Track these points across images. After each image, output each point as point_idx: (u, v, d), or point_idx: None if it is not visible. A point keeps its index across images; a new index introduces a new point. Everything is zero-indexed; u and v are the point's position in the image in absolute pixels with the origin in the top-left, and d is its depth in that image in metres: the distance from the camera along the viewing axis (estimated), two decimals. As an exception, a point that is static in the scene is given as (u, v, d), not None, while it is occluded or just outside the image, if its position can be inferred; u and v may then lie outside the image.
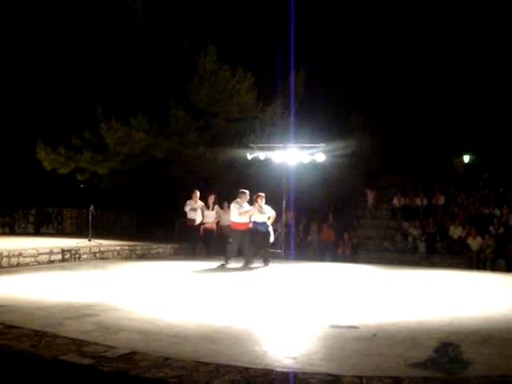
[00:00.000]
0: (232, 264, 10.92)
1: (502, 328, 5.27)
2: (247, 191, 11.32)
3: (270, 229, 11.57)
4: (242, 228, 11.12)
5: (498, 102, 22.23)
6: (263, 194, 11.33)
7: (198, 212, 13.22)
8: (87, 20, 16.04)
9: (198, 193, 13.28)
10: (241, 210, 11.08)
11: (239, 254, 11.55)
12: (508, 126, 21.66)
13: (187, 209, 13.19)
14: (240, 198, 11.21)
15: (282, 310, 6.00)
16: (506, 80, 21.68)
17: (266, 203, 11.47)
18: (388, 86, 21.92)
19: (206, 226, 13.41)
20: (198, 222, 13.27)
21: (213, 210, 13.46)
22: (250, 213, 11.16)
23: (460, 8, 22.12)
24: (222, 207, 14.26)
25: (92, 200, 13.13)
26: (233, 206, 11.29)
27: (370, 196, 19.97)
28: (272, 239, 11.76)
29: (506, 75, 21.68)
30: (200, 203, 13.30)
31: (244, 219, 11.09)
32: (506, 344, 4.54)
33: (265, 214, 11.33)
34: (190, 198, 13.50)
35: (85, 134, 16.01)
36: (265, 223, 11.35)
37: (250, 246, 11.15)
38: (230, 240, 11.56)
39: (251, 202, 11.42)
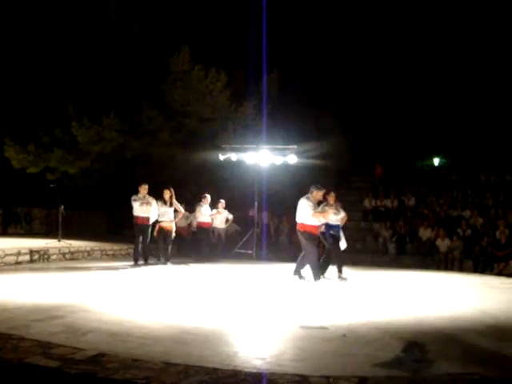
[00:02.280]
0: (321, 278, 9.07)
1: (466, 327, 5.39)
2: (321, 188, 9.17)
3: (342, 234, 9.79)
4: (315, 232, 9.02)
5: (468, 105, 22.73)
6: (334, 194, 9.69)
7: (150, 208, 10.99)
8: (59, 17, 15.81)
9: (146, 185, 11.12)
10: (317, 210, 8.97)
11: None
12: (476, 128, 22.18)
13: (136, 204, 10.91)
14: (312, 193, 9.05)
15: (252, 310, 6.02)
16: (474, 83, 22.19)
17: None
18: (359, 88, 22.21)
19: (162, 225, 11.26)
20: (152, 220, 11.15)
21: (171, 206, 11.34)
22: (328, 213, 9.21)
23: (432, 12, 22.55)
24: (193, 208, 14.22)
25: (62, 200, 12.96)
26: (304, 203, 8.90)
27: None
28: (344, 246, 9.82)
29: (475, 78, 22.19)
30: (151, 198, 11.08)
31: (315, 221, 8.95)
32: (468, 343, 4.65)
33: (340, 214, 9.64)
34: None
35: (55, 133, 15.75)
36: (338, 226, 9.64)
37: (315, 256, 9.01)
38: (305, 251, 8.99)
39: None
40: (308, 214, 8.79)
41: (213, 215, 13.74)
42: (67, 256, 11.57)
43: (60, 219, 12.92)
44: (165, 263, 11.20)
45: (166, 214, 11.28)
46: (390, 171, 21.86)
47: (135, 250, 11.03)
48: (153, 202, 11.06)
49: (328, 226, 9.37)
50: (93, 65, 15.88)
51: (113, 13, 16.60)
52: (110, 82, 15.84)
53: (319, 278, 8.84)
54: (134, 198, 11.04)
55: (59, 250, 11.44)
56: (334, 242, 9.44)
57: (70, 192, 15.95)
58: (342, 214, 9.70)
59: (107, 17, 16.47)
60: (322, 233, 9.31)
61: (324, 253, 9.68)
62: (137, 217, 10.99)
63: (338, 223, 9.60)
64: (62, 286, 7.39)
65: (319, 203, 9.27)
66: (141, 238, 10.94)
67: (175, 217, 11.66)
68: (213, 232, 14.07)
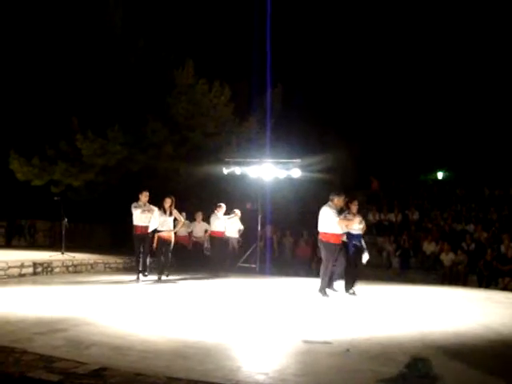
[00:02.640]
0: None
1: (471, 343, 5.35)
2: (341, 193, 8.80)
3: (364, 244, 9.40)
4: (338, 242, 8.61)
5: (472, 119, 22.77)
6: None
7: (151, 216, 10.62)
8: (65, 30, 15.98)
9: (147, 192, 10.78)
10: (341, 217, 8.62)
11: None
12: (480, 142, 22.19)
13: (137, 212, 10.52)
14: (332, 201, 8.66)
15: (255, 324, 5.99)
16: (478, 96, 22.25)
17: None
18: (363, 102, 22.30)
19: (161, 234, 10.81)
20: (151, 229, 10.75)
21: (170, 215, 10.85)
22: (354, 222, 8.86)
23: (437, 24, 22.70)
24: (194, 218, 14.28)
25: (66, 212, 12.98)
26: (328, 211, 8.50)
27: None
28: (367, 258, 9.34)
29: (478, 92, 22.26)
30: (152, 206, 10.74)
31: (338, 230, 8.54)
32: (473, 358, 4.61)
33: (362, 223, 9.22)
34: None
35: (60, 145, 15.83)
36: (360, 235, 9.24)
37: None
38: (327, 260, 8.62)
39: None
40: (333, 222, 8.37)
41: (231, 217, 13.26)
42: (70, 269, 11.57)
43: (63, 232, 12.92)
44: (167, 275, 11.02)
45: (165, 223, 10.79)
46: (393, 185, 21.87)
47: (137, 262, 10.72)
48: (155, 209, 10.68)
49: (350, 235, 8.97)
50: (98, 78, 16.02)
51: (118, 26, 16.78)
52: (114, 95, 15.95)
53: (324, 291, 8.62)
54: (134, 205, 10.65)
55: (62, 263, 11.44)
56: (356, 253, 8.98)
57: (75, 205, 16.00)
58: (364, 224, 9.36)
59: (112, 30, 16.64)
60: (344, 243, 8.82)
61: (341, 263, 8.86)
62: (136, 226, 10.58)
63: (360, 232, 9.18)
64: (64, 299, 7.39)
65: (340, 211, 8.82)
66: (141, 249, 10.63)
67: (175, 226, 11.25)
68: (226, 242, 13.33)
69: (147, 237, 10.71)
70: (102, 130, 15.28)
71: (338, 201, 8.58)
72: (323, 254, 8.61)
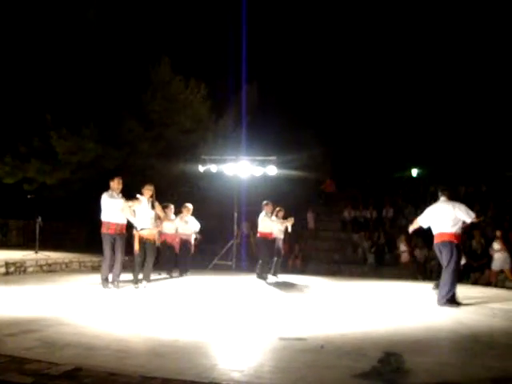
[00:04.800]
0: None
1: (442, 337, 5.47)
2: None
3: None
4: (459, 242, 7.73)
5: (444, 117, 23.11)
6: None
7: (134, 210, 8.82)
8: (39, 27, 15.70)
9: (120, 179, 8.94)
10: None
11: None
12: (453, 140, 22.54)
13: (111, 204, 8.56)
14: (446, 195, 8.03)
15: (230, 322, 6.01)
16: (451, 95, 22.58)
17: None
18: (338, 100, 22.46)
19: (142, 234, 8.90)
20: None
21: (152, 208, 8.96)
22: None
23: (410, 30, 22.95)
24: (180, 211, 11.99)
25: (40, 211, 12.81)
26: (449, 208, 7.70)
27: (311, 218, 20.03)
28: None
29: (451, 90, 22.59)
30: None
31: (458, 229, 7.70)
32: (444, 352, 4.72)
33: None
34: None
35: (33, 143, 15.58)
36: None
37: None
38: None
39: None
40: (469, 218, 7.58)
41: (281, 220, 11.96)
42: (45, 268, 11.41)
43: (37, 230, 12.74)
44: (144, 283, 9.02)
45: (146, 219, 8.78)
46: (368, 182, 22.08)
47: (104, 267, 8.72)
48: (135, 202, 8.65)
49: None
50: (72, 74, 15.79)
51: (93, 23, 16.56)
52: (89, 92, 15.75)
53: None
54: (106, 195, 8.66)
55: (36, 262, 11.27)
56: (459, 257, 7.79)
57: (49, 203, 15.77)
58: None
59: (87, 27, 16.41)
60: (458, 245, 7.70)
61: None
62: (108, 224, 8.51)
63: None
64: (38, 299, 7.29)
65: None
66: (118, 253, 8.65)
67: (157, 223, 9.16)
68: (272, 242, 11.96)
69: (122, 237, 8.76)
70: (76, 127, 15.10)
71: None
72: (447, 257, 7.67)
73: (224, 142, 17.04)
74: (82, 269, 12.50)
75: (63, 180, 16.37)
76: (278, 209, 11.91)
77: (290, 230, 12.27)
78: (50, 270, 11.50)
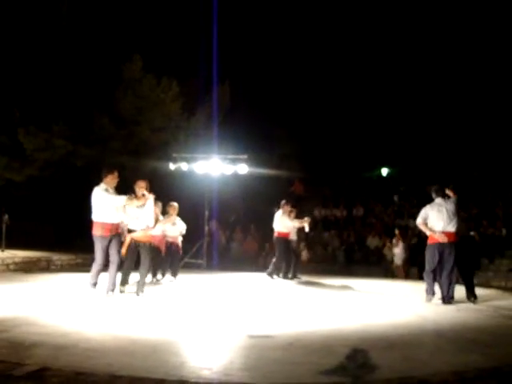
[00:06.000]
0: None
1: (408, 333, 5.59)
2: None
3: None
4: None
5: (413, 117, 23.47)
6: None
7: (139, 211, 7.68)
8: (7, 22, 15.38)
9: (116, 172, 7.80)
10: None
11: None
12: (423, 140, 22.94)
13: (110, 201, 7.44)
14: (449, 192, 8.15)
15: (200, 320, 6.03)
16: (422, 94, 22.93)
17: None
18: (310, 99, 22.62)
19: (135, 235, 7.69)
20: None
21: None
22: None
23: (382, 25, 23.23)
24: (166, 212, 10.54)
25: (7, 208, 12.56)
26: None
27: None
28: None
29: (423, 90, 22.94)
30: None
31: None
32: (409, 348, 4.83)
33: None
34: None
35: (0, 139, 15.27)
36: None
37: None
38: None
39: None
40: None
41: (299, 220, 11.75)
42: (11, 267, 11.21)
43: (4, 229, 12.50)
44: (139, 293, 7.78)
45: (139, 218, 7.66)
46: (339, 182, 22.30)
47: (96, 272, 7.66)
48: (141, 200, 7.57)
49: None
50: (42, 70, 15.51)
51: (63, 18, 16.30)
52: (59, 89, 15.51)
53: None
54: (100, 190, 7.44)
55: (3, 261, 11.07)
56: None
57: (16, 200, 15.48)
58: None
59: (58, 22, 16.16)
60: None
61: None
62: (102, 224, 7.44)
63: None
64: (4, 299, 7.15)
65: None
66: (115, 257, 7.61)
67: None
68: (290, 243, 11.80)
69: (118, 236, 7.63)
70: (45, 123, 14.86)
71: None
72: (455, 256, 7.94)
73: (195, 140, 16.99)
74: (51, 267, 12.32)
75: (32, 177, 16.09)
76: (289, 209, 11.72)
77: (307, 229, 11.95)
78: (17, 268, 11.30)
